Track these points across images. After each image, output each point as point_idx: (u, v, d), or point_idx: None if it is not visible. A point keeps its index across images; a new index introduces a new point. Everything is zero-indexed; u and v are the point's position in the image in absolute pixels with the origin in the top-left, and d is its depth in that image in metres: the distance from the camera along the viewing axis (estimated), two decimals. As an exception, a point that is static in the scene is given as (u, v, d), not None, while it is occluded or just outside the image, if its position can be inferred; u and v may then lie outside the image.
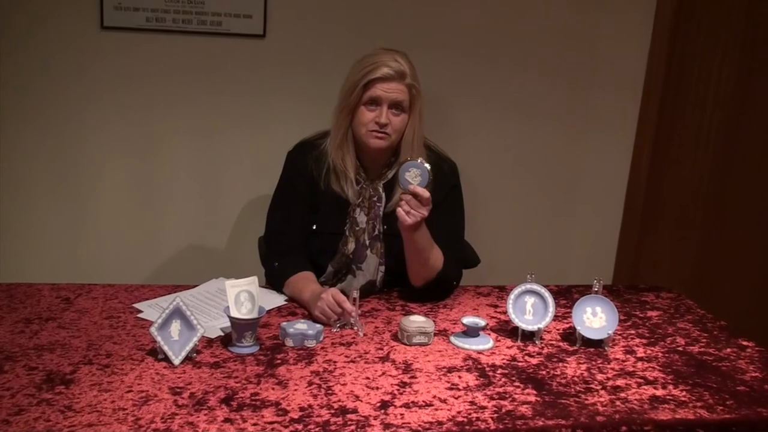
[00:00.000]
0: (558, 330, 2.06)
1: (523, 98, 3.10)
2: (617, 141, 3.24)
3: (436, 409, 1.58)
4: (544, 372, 1.79)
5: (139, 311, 2.02)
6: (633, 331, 2.09)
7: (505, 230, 3.24)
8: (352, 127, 2.18)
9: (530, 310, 1.99)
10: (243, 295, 1.83)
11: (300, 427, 1.47)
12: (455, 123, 3.07)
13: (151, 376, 1.65)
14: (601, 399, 1.67)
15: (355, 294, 1.96)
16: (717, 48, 3.24)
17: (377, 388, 1.66)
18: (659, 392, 1.72)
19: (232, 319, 1.80)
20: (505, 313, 2.08)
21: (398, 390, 1.65)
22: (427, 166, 2.00)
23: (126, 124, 2.88)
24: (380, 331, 1.99)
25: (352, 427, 1.48)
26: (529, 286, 2.00)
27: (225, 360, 1.76)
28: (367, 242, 2.23)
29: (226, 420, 1.48)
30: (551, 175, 3.23)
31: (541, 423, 1.55)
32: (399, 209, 2.03)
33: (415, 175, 2.00)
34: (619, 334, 2.05)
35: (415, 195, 2.00)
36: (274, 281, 2.25)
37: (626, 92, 3.19)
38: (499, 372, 1.78)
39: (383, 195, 2.23)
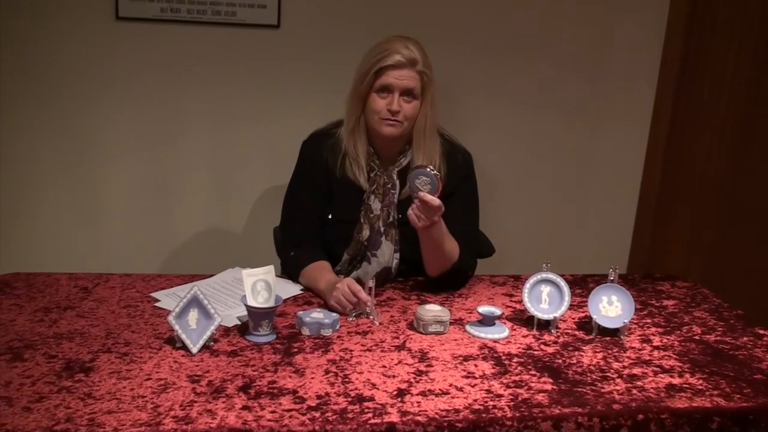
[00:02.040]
0: (574, 319, 2.06)
1: (538, 90, 3.09)
2: (632, 131, 3.22)
3: (453, 397, 1.58)
4: (560, 360, 1.79)
5: (157, 300, 2.03)
6: (649, 320, 2.09)
7: (521, 220, 3.24)
8: (365, 114, 2.19)
9: (546, 299, 1.99)
10: (259, 285, 1.84)
11: (317, 414, 1.48)
12: (470, 114, 3.06)
13: (169, 364, 1.66)
14: (618, 387, 1.67)
15: (371, 283, 1.97)
16: (732, 39, 3.21)
17: (394, 377, 1.66)
18: (676, 381, 1.71)
19: (249, 308, 1.81)
20: (520, 302, 2.08)
21: (414, 378, 1.66)
22: (437, 173, 1.99)
23: (140, 115, 2.89)
24: (396, 320, 1.99)
25: (369, 415, 1.49)
26: (544, 275, 2.00)
27: (242, 348, 1.77)
28: (382, 229, 2.24)
29: (245, 407, 1.49)
30: (566, 165, 3.22)
31: (557, 411, 1.55)
32: (410, 212, 2.05)
33: (424, 183, 2.00)
34: (635, 323, 2.05)
35: (424, 202, 2.00)
36: (289, 270, 2.26)
37: (641, 84, 3.17)
38: (515, 360, 1.78)
39: (397, 182, 2.24)
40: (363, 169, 2.22)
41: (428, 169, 2.00)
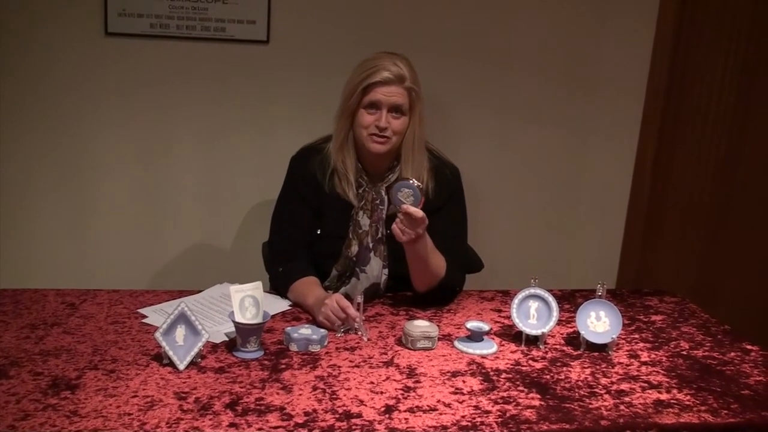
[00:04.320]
0: (562, 334, 2.07)
1: (525, 103, 3.11)
2: (620, 145, 3.24)
3: (441, 414, 1.58)
4: (548, 376, 1.80)
5: (144, 316, 2.02)
6: (637, 336, 2.09)
7: (509, 235, 3.25)
8: (353, 130, 2.19)
9: (534, 314, 1.99)
10: (247, 300, 1.84)
11: (305, 431, 1.48)
12: (458, 127, 3.07)
13: (156, 381, 1.66)
14: (606, 403, 1.67)
15: (359, 299, 1.97)
16: (720, 52, 3.23)
17: (381, 393, 1.66)
18: (663, 396, 1.72)
19: (237, 324, 1.81)
20: (508, 317, 2.08)
21: (402, 394, 1.66)
22: (419, 185, 2.00)
23: (130, 130, 2.89)
24: (384, 336, 1.99)
25: (357, 432, 1.49)
26: (532, 290, 2.00)
27: (230, 365, 1.76)
28: (370, 245, 2.24)
29: (231, 425, 1.49)
30: (554, 179, 3.23)
31: (545, 427, 1.55)
32: (394, 226, 2.05)
33: (407, 195, 2.00)
34: (623, 339, 2.05)
35: (407, 215, 2.01)
36: (278, 286, 2.25)
37: (629, 97, 3.19)
38: (503, 376, 1.78)
39: (385, 198, 2.24)
40: (352, 185, 2.23)
41: (410, 181, 2.01)
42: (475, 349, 1.91)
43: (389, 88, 2.11)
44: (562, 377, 1.79)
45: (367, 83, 2.11)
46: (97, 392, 1.59)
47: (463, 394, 1.68)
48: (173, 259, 3.04)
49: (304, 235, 2.28)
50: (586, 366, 1.87)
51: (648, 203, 3.32)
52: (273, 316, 2.05)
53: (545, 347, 1.97)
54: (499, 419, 1.57)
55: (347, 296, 2.05)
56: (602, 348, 1.96)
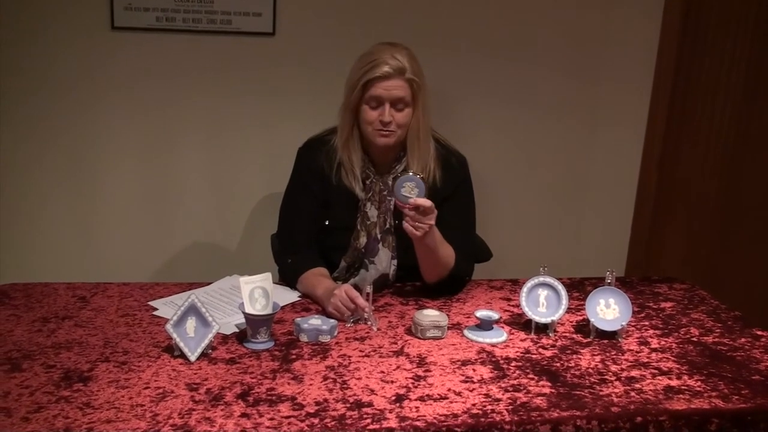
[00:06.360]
0: (571, 322, 2.07)
1: (533, 93, 3.10)
2: (628, 134, 3.23)
3: (451, 402, 1.58)
4: (558, 364, 1.80)
5: (155, 309, 2.03)
6: (647, 323, 2.09)
7: (518, 224, 3.24)
8: (358, 124, 2.19)
9: (543, 302, 1.99)
10: (257, 292, 1.84)
11: (316, 421, 1.48)
12: (465, 118, 3.06)
13: (167, 372, 1.66)
14: (616, 390, 1.67)
15: (369, 289, 1.97)
16: (727, 42, 3.22)
17: (392, 382, 1.66)
18: (674, 383, 1.72)
19: (247, 316, 1.81)
20: (518, 306, 2.08)
21: (413, 383, 1.66)
22: (421, 176, 1.99)
23: (137, 124, 2.89)
24: (394, 326, 1.99)
25: (368, 421, 1.49)
26: (542, 278, 2.00)
27: (240, 356, 1.77)
28: (379, 236, 2.24)
29: (243, 415, 1.49)
30: (563, 168, 3.22)
31: (556, 414, 1.55)
32: (405, 224, 2.03)
33: (411, 189, 1.99)
34: (633, 326, 2.05)
35: (416, 208, 2.00)
36: (287, 277, 2.26)
37: (636, 86, 3.17)
38: (513, 364, 1.78)
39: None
40: (358, 179, 2.22)
41: (411, 174, 2.00)
42: (485, 338, 1.92)
43: (389, 82, 2.09)
44: (572, 365, 1.79)
45: (366, 79, 2.09)
46: (109, 384, 1.60)
47: (474, 383, 1.68)
48: (182, 252, 3.05)
49: (313, 227, 2.28)
50: (596, 353, 1.87)
51: (656, 190, 3.31)
52: (283, 307, 2.05)
53: (555, 335, 1.97)
54: (510, 407, 1.57)
55: (356, 287, 2.06)
56: (612, 335, 1.96)
